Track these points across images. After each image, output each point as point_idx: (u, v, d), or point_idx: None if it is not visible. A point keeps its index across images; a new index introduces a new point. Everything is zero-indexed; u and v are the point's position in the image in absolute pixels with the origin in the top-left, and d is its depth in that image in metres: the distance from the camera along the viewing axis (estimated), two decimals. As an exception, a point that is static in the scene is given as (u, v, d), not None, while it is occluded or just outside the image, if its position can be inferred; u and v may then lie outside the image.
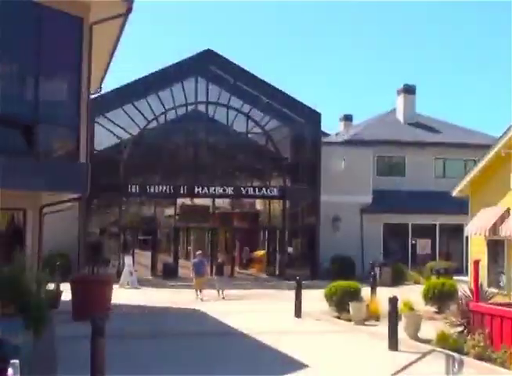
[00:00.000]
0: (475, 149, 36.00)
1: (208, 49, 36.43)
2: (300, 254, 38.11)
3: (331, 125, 79.92)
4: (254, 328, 18.54)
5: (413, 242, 39.36)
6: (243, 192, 36.50)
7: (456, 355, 6.05)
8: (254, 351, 15.74)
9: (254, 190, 36.69)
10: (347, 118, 52.75)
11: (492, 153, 22.02)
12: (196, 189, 35.65)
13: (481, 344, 14.49)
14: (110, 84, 50.80)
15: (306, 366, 13.77)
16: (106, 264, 34.47)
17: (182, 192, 35.81)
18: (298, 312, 21.44)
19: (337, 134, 47.35)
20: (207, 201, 37.37)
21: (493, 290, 19.99)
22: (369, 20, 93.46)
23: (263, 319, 20.88)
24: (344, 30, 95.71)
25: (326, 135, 44.79)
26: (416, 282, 32.34)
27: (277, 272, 36.80)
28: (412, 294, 21.76)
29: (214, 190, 35.76)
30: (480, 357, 14.21)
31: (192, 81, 36.23)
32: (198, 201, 38.06)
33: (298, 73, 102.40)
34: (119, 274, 31.33)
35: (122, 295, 25.33)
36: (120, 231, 36.06)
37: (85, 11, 15.35)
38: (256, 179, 38.87)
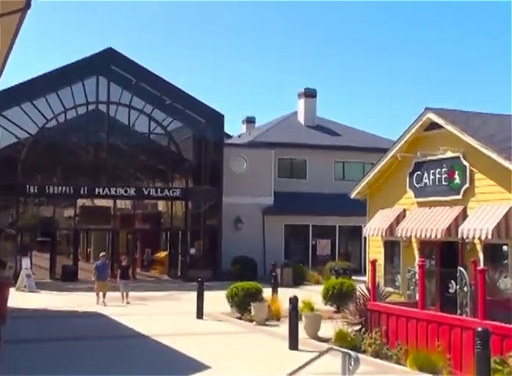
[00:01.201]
0: (374, 152, 36.89)
1: (110, 48, 35.94)
2: (202, 256, 38.09)
3: (234, 127, 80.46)
4: (156, 330, 18.43)
5: (314, 243, 40.06)
6: (145, 193, 36.22)
7: (352, 352, 6.23)
8: (156, 353, 15.64)
9: (156, 191, 36.50)
10: (250, 120, 53.10)
11: (388, 157, 22.69)
12: (97, 190, 35.12)
13: (378, 342, 14.96)
14: (8, 81, 49.45)
15: (208, 367, 13.80)
16: (2, 266, 33.34)
17: (82, 193, 35.20)
18: (200, 314, 21.44)
19: (239, 136, 47.60)
20: (108, 202, 36.83)
21: (389, 289, 20.60)
22: (271, 22, 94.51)
23: (165, 322, 20.78)
24: (247, 32, 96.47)
25: (229, 136, 44.93)
26: (317, 282, 32.89)
27: (179, 274, 36.65)
28: (312, 294, 22.16)
29: (116, 191, 35.32)
30: (376, 354, 14.68)
31: (93, 80, 35.65)
32: (99, 202, 37.46)
33: (201, 74, 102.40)
34: (16, 277, 30.39)
35: (19, 299, 24.60)
36: (18, 232, 35.09)
37: (-21, 5, 14.80)
38: (158, 180, 38.63)
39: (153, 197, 37.38)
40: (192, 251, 37.61)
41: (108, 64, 35.79)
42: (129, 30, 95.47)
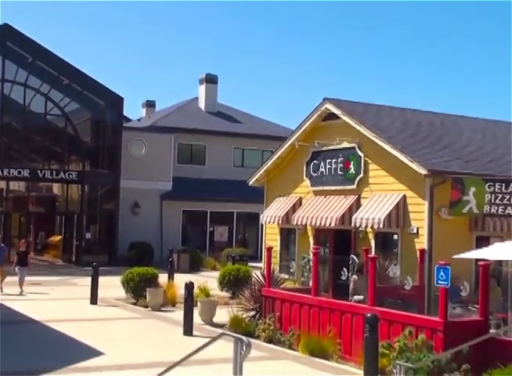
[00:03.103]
0: (273, 140, 37.34)
1: (6, 24, 34.71)
2: (98, 240, 37.56)
3: (134, 111, 79.26)
4: (48, 316, 18.06)
5: (211, 229, 40.18)
6: (40, 175, 35.28)
7: (244, 338, 6.34)
8: (48, 339, 15.36)
9: (52, 174, 35.61)
10: (150, 104, 52.59)
11: (287, 145, 22.99)
12: (-11, 171, 33.96)
13: (272, 327, 15.21)
14: None
15: (101, 353, 13.67)
16: None
17: (-28, 173, 33.96)
18: (94, 299, 21.16)
19: (139, 119, 47.07)
20: (0, 184, 35.68)
21: (284, 276, 20.91)
22: (173, 6, 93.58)
23: (59, 307, 20.39)
24: (150, 14, 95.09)
25: (128, 120, 44.37)
26: (213, 268, 33.04)
27: (74, 259, 36.00)
28: (208, 280, 22.28)
29: (9, 172, 34.23)
30: (270, 340, 14.94)
31: (-14, 56, 34.39)
32: (-10, 184, 36.27)
33: (102, 56, 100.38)
34: None
35: None
36: None
37: None
38: (54, 162, 37.74)
39: (48, 180, 36.55)
40: (88, 235, 37.04)
41: (3, 40, 34.53)
42: (28, 10, 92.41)
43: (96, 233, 38.05)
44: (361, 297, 15.28)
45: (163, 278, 22.28)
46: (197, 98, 46.51)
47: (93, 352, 13.66)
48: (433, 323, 11.91)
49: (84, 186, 36.33)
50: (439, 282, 11.61)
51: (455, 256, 14.62)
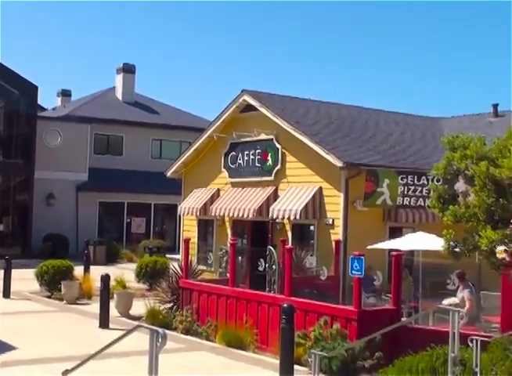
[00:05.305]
0: (191, 131, 37.18)
1: None
2: (11, 232, 36.56)
3: (48, 100, 77.05)
4: (-43, 310, 17.53)
5: (129, 221, 39.76)
6: None
7: (159, 329, 6.31)
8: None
9: (-38, 164, 34.47)
10: (66, 93, 51.45)
11: (205, 136, 22.98)
12: None
13: (189, 319, 15.24)
14: None
15: (14, 347, 13.37)
16: None
17: None
18: (7, 293, 20.67)
19: (54, 109, 46.03)
20: None
21: (202, 267, 20.95)
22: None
23: (-32, 301, 19.82)
24: (65, 4, 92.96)
25: (43, 109, 43.33)
26: (130, 260, 32.76)
27: (-15, 251, 35.01)
28: (125, 272, 22.09)
29: None
30: (187, 331, 14.97)
31: None
32: None
33: (15, 43, 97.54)
34: None
35: None
36: None
37: None
38: (-36, 152, 36.48)
39: (-42, 171, 35.35)
40: (0, 227, 36.05)
41: None
42: None
43: (9, 225, 37.00)
44: None
45: (78, 271, 21.96)
46: (114, 88, 45.78)
47: (5, 347, 13.35)
48: (347, 313, 12.16)
49: (-4, 176, 35.31)
50: (353, 272, 11.86)
51: (369, 247, 14.99)
